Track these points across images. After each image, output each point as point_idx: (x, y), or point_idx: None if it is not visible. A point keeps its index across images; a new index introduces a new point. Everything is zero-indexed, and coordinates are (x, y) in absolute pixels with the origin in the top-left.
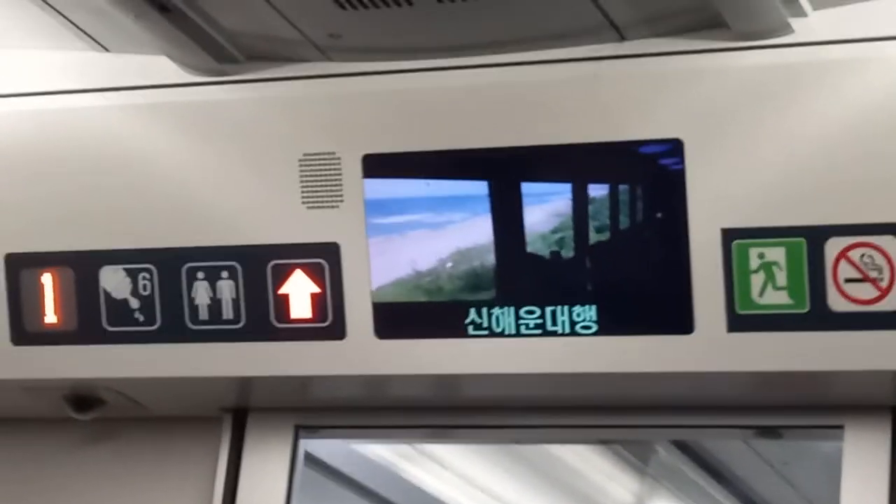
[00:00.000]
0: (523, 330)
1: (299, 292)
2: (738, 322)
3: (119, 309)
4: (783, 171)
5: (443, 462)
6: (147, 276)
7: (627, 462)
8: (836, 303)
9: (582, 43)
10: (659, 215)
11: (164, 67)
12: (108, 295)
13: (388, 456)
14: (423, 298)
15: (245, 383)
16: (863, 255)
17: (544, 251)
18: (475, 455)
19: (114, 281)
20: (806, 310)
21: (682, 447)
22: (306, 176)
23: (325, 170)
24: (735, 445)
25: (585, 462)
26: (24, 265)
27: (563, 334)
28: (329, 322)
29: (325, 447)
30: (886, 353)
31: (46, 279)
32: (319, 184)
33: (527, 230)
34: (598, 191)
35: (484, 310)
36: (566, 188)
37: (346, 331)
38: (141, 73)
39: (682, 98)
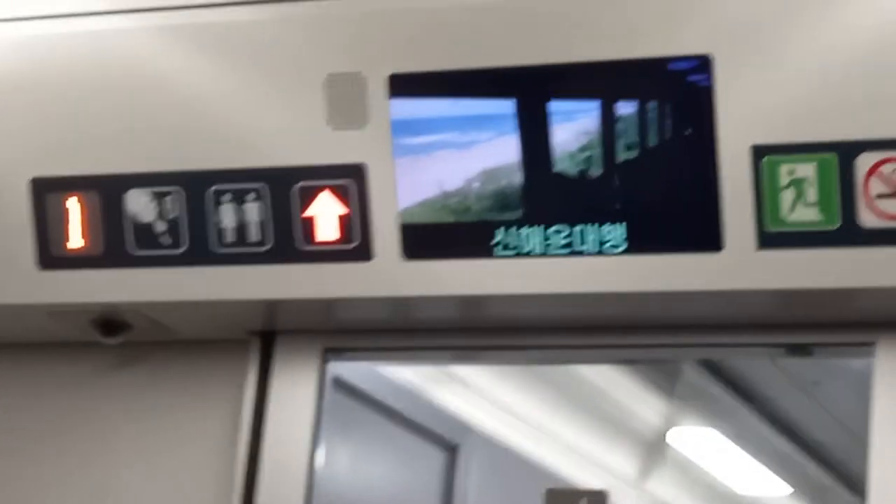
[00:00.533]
0: (551, 249)
1: (325, 214)
2: (768, 239)
3: (145, 232)
4: (813, 85)
5: (471, 385)
6: (173, 198)
7: (655, 383)
8: (868, 219)
9: None
10: (687, 132)
11: None
12: (133, 218)
13: (415, 379)
14: (450, 219)
15: (272, 306)
16: (894, 171)
17: (572, 170)
18: (503, 378)
19: (139, 204)
20: (837, 226)
21: (711, 367)
22: (332, 96)
23: (351, 90)
24: (764, 366)
25: (613, 384)
26: (49, 189)
27: (591, 253)
28: (356, 244)
29: (353, 370)
30: None
31: (72, 203)
32: (345, 104)
33: (554, 149)
34: (625, 108)
35: (512, 229)
36: (594, 106)
37: (372, 252)
38: None
39: (711, 13)
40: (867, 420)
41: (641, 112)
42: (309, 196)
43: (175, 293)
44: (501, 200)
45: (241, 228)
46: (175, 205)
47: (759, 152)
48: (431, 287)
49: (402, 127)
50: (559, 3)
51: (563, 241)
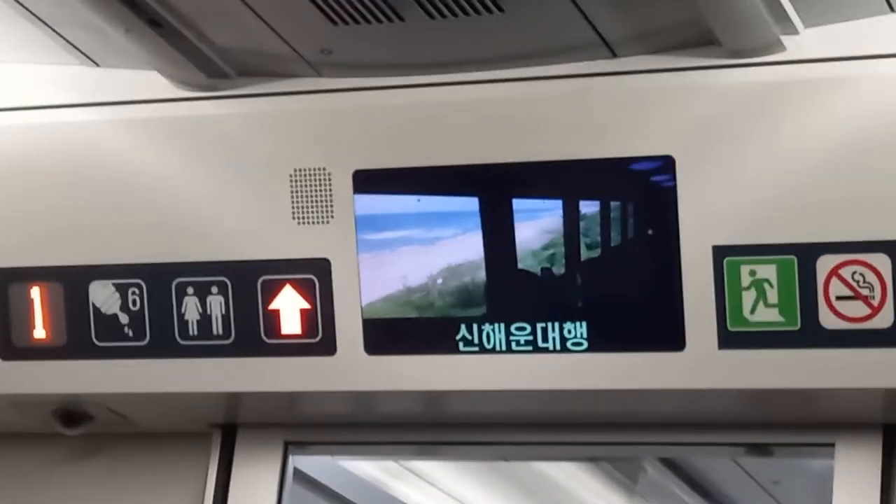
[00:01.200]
0: (514, 346)
1: (289, 308)
2: (730, 339)
3: (108, 324)
4: (774, 188)
5: (431, 480)
6: (137, 290)
7: (617, 481)
8: (828, 320)
9: (573, 59)
10: (650, 232)
11: (154, 82)
12: (97, 310)
13: (376, 473)
14: (413, 314)
15: (234, 399)
16: (854, 273)
17: (535, 267)
18: (464, 473)
19: (103, 296)
20: (797, 327)
21: (672, 465)
22: (297, 191)
23: (316, 185)
24: (725, 464)
25: (574, 480)
26: (13, 279)
27: (553, 351)
28: (319, 338)
29: (314, 464)
30: (878, 370)
31: (35, 293)
32: (310, 199)
33: (518, 246)
34: (589, 207)
35: (475, 326)
36: (557, 205)
37: (336, 346)
38: (131, 87)
39: (674, 115)
40: None
41: (605, 211)
42: (273, 290)
43: (137, 385)
44: (465, 297)
45: (205, 321)
46: (138, 297)
47: (721, 253)
48: (394, 382)
49: (367, 222)
50: (524, 103)
51: (526, 339)
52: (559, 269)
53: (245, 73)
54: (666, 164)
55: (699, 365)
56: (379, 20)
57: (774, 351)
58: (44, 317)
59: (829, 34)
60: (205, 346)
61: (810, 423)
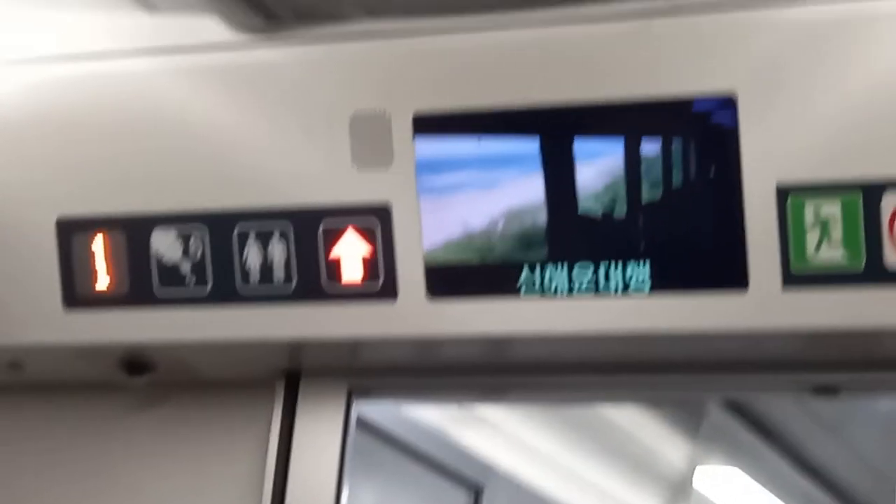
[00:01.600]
0: (576, 289)
1: (351, 254)
2: (794, 279)
3: (170, 272)
4: (838, 125)
5: (495, 426)
6: (198, 238)
7: (680, 423)
8: (893, 259)
9: None
10: (712, 172)
11: (212, 27)
12: (159, 258)
13: (440, 420)
14: (474, 259)
15: (297, 346)
16: None
17: (596, 210)
18: (527, 419)
19: (165, 244)
20: (862, 266)
21: (736, 408)
22: (356, 135)
23: (375, 129)
24: (789, 406)
25: (638, 424)
26: (75, 229)
27: (616, 293)
28: (381, 284)
29: (377, 411)
30: None
31: (98, 243)
32: (369, 143)
33: (578, 188)
34: (650, 147)
35: (536, 269)
36: (618, 145)
37: (397, 292)
38: (188, 32)
39: (736, 53)
40: (894, 461)
41: (666, 152)
42: (334, 236)
43: (200, 333)
44: (526, 240)
45: (266, 268)
46: (200, 245)
47: (784, 192)
48: (456, 327)
49: (427, 166)
50: (582, 43)
51: (588, 281)
52: (621, 211)
53: (302, 17)
54: (728, 103)
55: (763, 305)
56: None
57: (839, 291)
58: (106, 266)
59: None
60: (267, 293)
61: (876, 363)
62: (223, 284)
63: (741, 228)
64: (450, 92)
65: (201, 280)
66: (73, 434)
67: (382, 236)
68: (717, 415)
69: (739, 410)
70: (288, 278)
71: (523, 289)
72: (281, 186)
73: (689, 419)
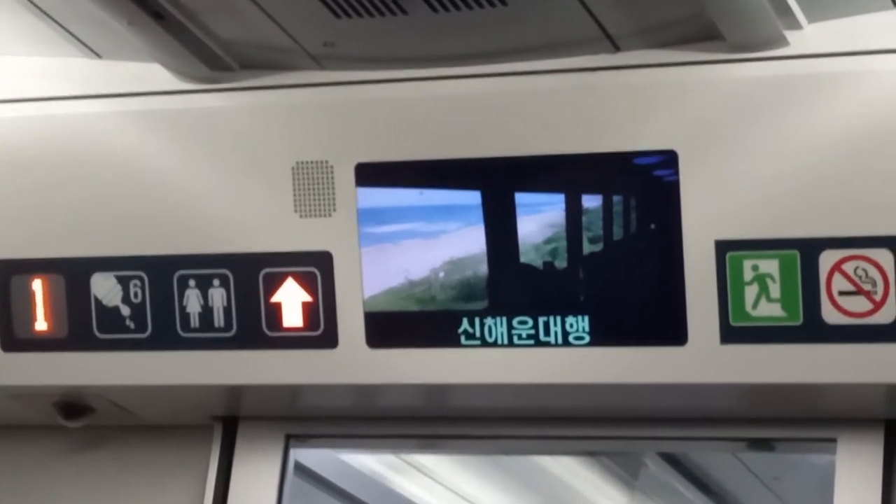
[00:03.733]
0: (516, 340)
1: (291, 301)
2: (732, 334)
3: (110, 316)
4: (777, 183)
5: (432, 474)
6: (138, 283)
7: (617, 475)
8: (830, 315)
9: (577, 53)
10: (653, 226)
11: (157, 74)
12: (98, 302)
13: (377, 467)
14: (415, 308)
15: (236, 391)
16: (857, 268)
17: (537, 261)
18: (464, 467)
19: (105, 288)
20: (800, 322)
21: (672, 460)
22: (299, 184)
23: (318, 178)
24: (726, 459)
25: (575, 475)
26: (14, 271)
27: (555, 345)
28: (321, 331)
29: (315, 457)
30: (880, 365)
31: (37, 285)
32: (312, 192)
33: (520, 240)
34: (591, 201)
35: (476, 319)
36: (560, 199)
37: (337, 339)
38: (134, 79)
39: (677, 109)
40: None
41: (607, 205)
42: (275, 282)
43: (139, 377)
44: (467, 290)
45: (206, 313)
46: (140, 289)
47: (724, 247)
48: (396, 375)
49: (369, 216)
50: (526, 97)
51: (528, 332)
52: (561, 263)
53: (248, 66)
54: (669, 159)
55: (701, 359)
56: (382, 13)
57: (777, 346)
58: (45, 309)
59: (833, 29)
60: (207, 338)
61: (812, 418)
62: (163, 329)
63: (680, 283)
64: (393, 143)
65: (141, 324)
66: (9, 474)
67: (323, 284)
68: (654, 466)
69: (676, 463)
70: (228, 324)
71: (463, 338)
72: (222, 233)
73: (626, 471)
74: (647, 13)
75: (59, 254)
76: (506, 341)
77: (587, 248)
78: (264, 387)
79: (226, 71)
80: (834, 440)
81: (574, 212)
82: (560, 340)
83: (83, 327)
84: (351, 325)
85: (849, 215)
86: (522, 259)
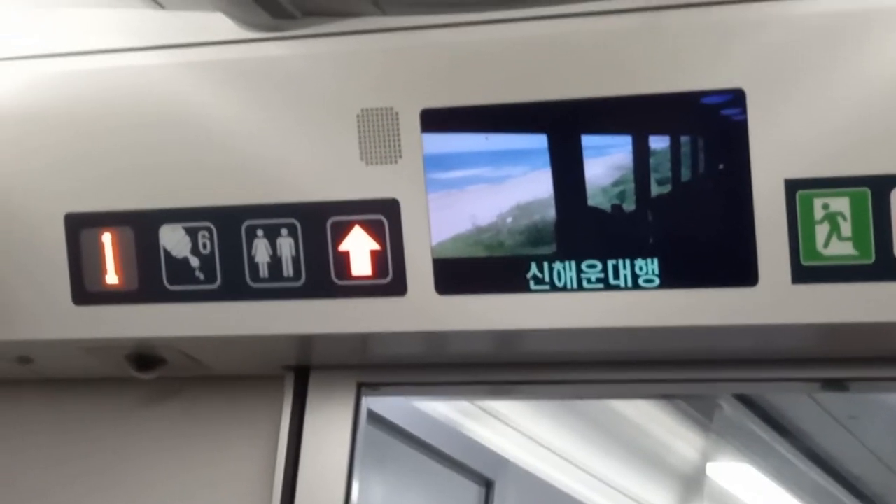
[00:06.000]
0: (585, 284)
1: (359, 249)
2: (804, 273)
3: (179, 267)
4: (847, 120)
5: (506, 419)
6: (206, 234)
7: (692, 417)
8: None
9: None
10: (721, 166)
11: (219, 24)
12: (168, 253)
13: (451, 413)
14: (483, 254)
15: (306, 341)
16: None
17: (605, 204)
18: (539, 412)
19: (173, 239)
20: (872, 260)
21: (747, 402)
22: (365, 131)
23: (383, 125)
24: (800, 399)
25: (649, 418)
26: (83, 224)
27: (625, 288)
28: (389, 278)
29: (387, 405)
30: None
31: (106, 238)
32: (378, 139)
33: (587, 183)
34: (659, 142)
35: (545, 264)
36: (626, 140)
37: (406, 287)
38: (197, 29)
39: (744, 47)
40: None
41: (674, 146)
42: (342, 231)
43: (209, 328)
44: (535, 235)
45: (275, 263)
46: (208, 240)
47: (793, 186)
48: (465, 322)
49: (435, 162)
50: (590, 38)
51: (597, 276)
52: (629, 206)
53: (310, 13)
54: (736, 98)
55: (773, 300)
56: None
57: (849, 285)
58: (115, 261)
59: None
60: (276, 288)
61: (886, 357)
62: (232, 280)
63: (750, 224)
64: (457, 88)
65: (210, 276)
66: (82, 429)
67: (390, 232)
68: (729, 409)
69: (751, 405)
70: (297, 274)
71: (532, 283)
72: (288, 182)
73: (701, 414)
74: None
75: (127, 206)
76: (575, 285)
77: (655, 190)
78: (334, 336)
79: (288, 19)
80: None
81: (641, 153)
82: (630, 283)
83: (153, 279)
84: (419, 272)
85: None
86: (590, 202)
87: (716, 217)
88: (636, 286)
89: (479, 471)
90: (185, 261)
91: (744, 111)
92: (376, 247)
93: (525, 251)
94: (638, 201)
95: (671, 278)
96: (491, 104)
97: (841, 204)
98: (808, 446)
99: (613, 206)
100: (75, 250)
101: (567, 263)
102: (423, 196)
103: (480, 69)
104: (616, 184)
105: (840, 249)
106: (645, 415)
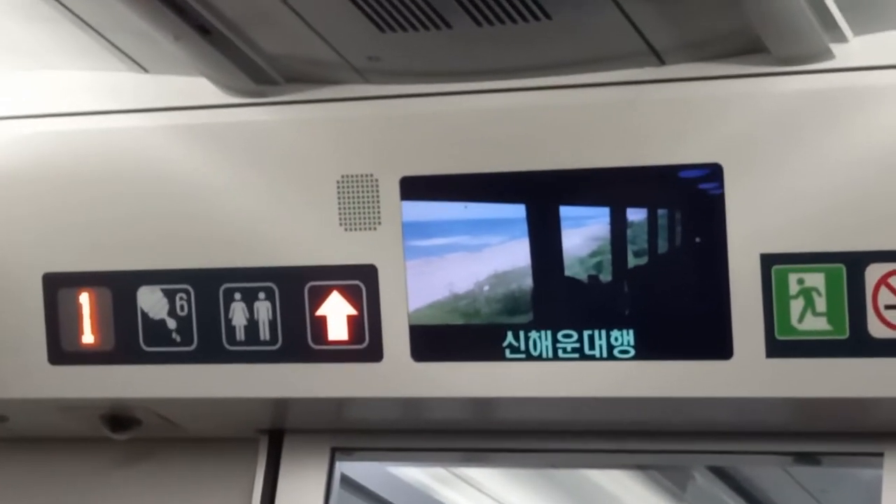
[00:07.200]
0: (561, 354)
1: (336, 314)
2: (778, 348)
3: (156, 329)
4: (822, 196)
5: (479, 486)
6: (184, 296)
7: (665, 488)
8: (877, 329)
9: (621, 67)
10: (698, 240)
11: (203, 89)
12: (145, 315)
13: (424, 479)
14: (460, 321)
15: (281, 404)
16: None
17: (582, 275)
18: (511, 479)
19: (151, 301)
20: (846, 336)
21: (721, 473)
22: (344, 198)
23: (363, 192)
24: (773, 472)
25: (623, 488)
26: (61, 284)
27: (600, 358)
28: (366, 344)
29: (361, 469)
30: None
31: (84, 299)
32: (357, 206)
33: (565, 253)
34: (636, 215)
35: (521, 333)
36: (604, 212)
37: (382, 353)
38: (180, 94)
39: (722, 123)
40: None
41: (652, 219)
42: (320, 296)
43: (185, 390)
44: (511, 304)
45: (252, 327)
46: (186, 302)
47: (769, 261)
48: (440, 389)
49: (414, 229)
50: (571, 111)
51: (573, 346)
52: (606, 277)
53: (293, 80)
54: (714, 172)
55: (747, 374)
56: (426, 27)
57: (823, 360)
58: (92, 322)
59: (878, 42)
60: (252, 351)
61: (859, 432)
62: (209, 342)
63: (726, 297)
64: (437, 156)
65: (187, 338)
66: (56, 488)
67: (368, 298)
68: (702, 480)
69: (724, 476)
70: (273, 337)
71: (507, 352)
72: (267, 246)
73: (674, 484)
74: (692, 27)
75: (106, 267)
76: (551, 355)
77: (632, 261)
78: (310, 400)
79: (271, 85)
80: (881, 454)
81: (619, 225)
82: (605, 354)
83: (130, 340)
84: (396, 338)
85: (894, 228)
86: (567, 273)
87: (691, 290)
88: (611, 357)
89: None
90: (163, 322)
91: (721, 186)
92: (353, 312)
93: (501, 320)
94: (614, 272)
95: (646, 350)
96: (470, 173)
97: (816, 279)
98: None
99: (590, 277)
100: (52, 310)
101: (543, 333)
102: (402, 263)
103: (461, 139)
104: (593, 255)
105: (814, 325)
106: (618, 484)
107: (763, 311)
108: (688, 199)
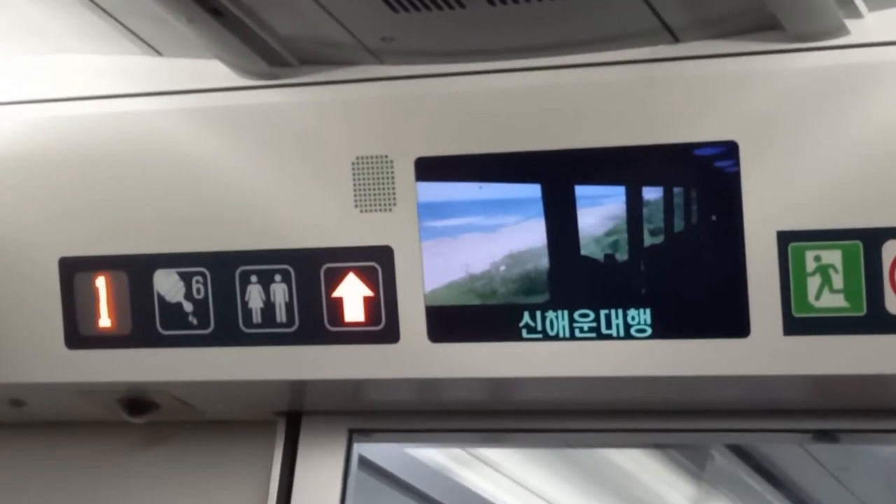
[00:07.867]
0: (577, 333)
1: (352, 296)
2: (795, 325)
3: (173, 312)
4: (839, 173)
5: (497, 466)
6: (200, 279)
7: (683, 467)
8: (894, 306)
9: (636, 45)
10: (714, 218)
11: (216, 71)
12: (161, 298)
13: (441, 460)
14: (476, 301)
15: (299, 387)
16: None
17: (598, 254)
18: (529, 459)
19: (167, 284)
20: (863, 313)
21: (739, 452)
22: (359, 179)
23: (378, 173)
24: (792, 450)
25: (641, 467)
26: (78, 269)
27: (617, 338)
28: (382, 325)
29: (378, 451)
30: None
31: (100, 283)
32: (372, 187)
33: (580, 233)
34: (652, 193)
35: (538, 313)
36: (620, 191)
37: (399, 334)
38: (194, 77)
39: (737, 100)
40: None
41: (668, 197)
42: (336, 278)
43: (202, 373)
44: (528, 284)
45: (268, 309)
46: (202, 285)
47: (786, 238)
48: (457, 370)
49: (429, 210)
50: (585, 90)
51: (589, 325)
52: (622, 256)
53: (307, 62)
54: (729, 150)
55: (764, 351)
56: (440, 7)
57: (840, 337)
58: (109, 305)
59: (894, 17)
60: (269, 333)
61: (877, 409)
62: (225, 325)
63: (742, 275)
64: (452, 137)
65: (204, 321)
66: (74, 471)
67: (384, 279)
68: (720, 459)
69: (743, 455)
70: (290, 320)
71: (524, 332)
72: (283, 229)
73: (692, 463)
74: (706, 4)
75: (122, 251)
76: (567, 334)
77: (648, 240)
78: (327, 382)
79: (285, 67)
80: None
81: (635, 204)
82: (622, 333)
83: (146, 324)
84: (412, 319)
85: None
86: (583, 252)
87: (708, 268)
88: (628, 336)
89: None
90: (179, 305)
91: (737, 163)
92: (370, 293)
93: (518, 300)
94: (631, 251)
95: (663, 328)
96: (485, 153)
97: (833, 256)
98: (798, 496)
99: (606, 256)
100: (69, 294)
101: (560, 312)
102: (417, 244)
103: (475, 119)
104: (609, 234)
105: (831, 302)
106: (637, 464)
107: (780, 289)
108: (703, 177)
